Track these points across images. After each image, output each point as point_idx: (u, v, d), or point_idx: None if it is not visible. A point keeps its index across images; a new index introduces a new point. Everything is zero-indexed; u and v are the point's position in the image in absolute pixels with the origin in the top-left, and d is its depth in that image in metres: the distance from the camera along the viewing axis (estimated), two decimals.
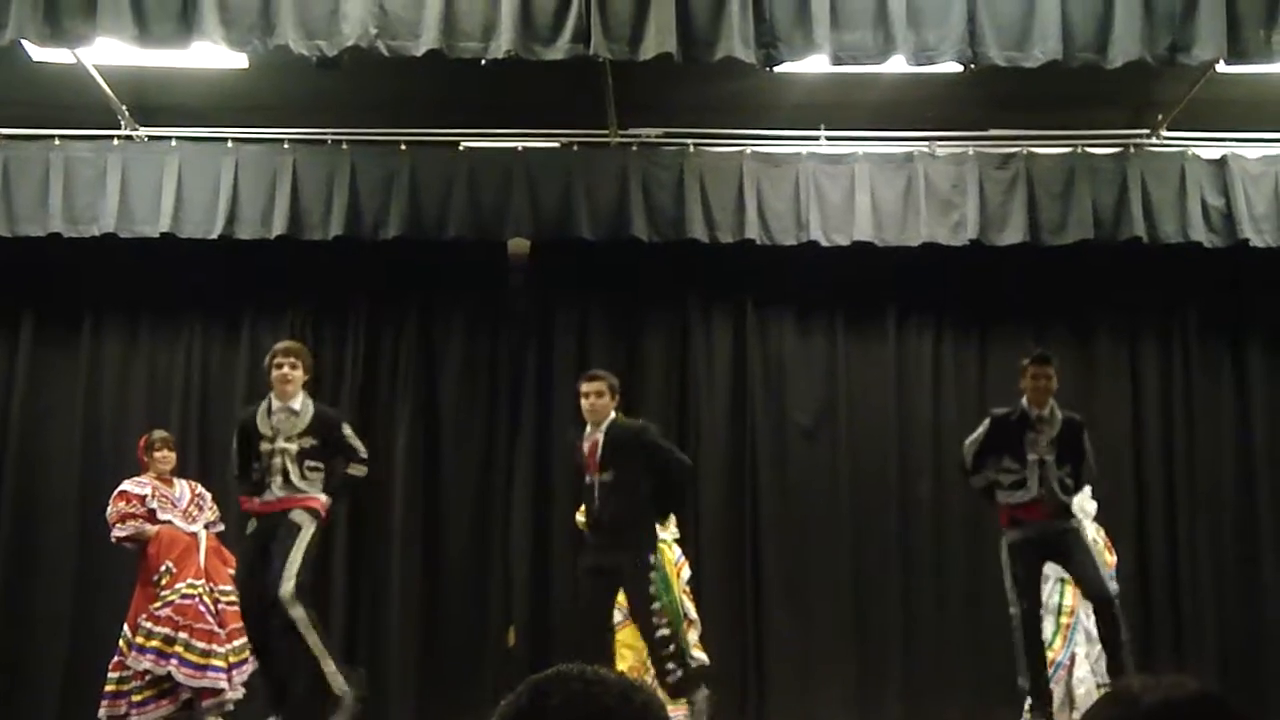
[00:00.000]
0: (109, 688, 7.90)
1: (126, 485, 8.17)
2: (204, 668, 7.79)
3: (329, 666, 6.91)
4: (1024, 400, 7.42)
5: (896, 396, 9.68)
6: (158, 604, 7.85)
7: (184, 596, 7.86)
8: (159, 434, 8.44)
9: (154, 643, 7.78)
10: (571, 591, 7.10)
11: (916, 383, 9.71)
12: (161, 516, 8.06)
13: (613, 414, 7.27)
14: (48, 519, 9.46)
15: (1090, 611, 7.79)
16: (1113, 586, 7.57)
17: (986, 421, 7.51)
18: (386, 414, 9.56)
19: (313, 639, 6.88)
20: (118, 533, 8.04)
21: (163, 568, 7.91)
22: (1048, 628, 8.01)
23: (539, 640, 9.20)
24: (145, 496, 8.08)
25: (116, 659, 7.93)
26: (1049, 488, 7.29)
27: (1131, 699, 1.99)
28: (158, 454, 8.25)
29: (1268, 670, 9.23)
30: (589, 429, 7.27)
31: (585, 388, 7.29)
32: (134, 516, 8.02)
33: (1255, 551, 9.46)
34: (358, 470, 7.30)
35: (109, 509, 8.10)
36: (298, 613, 6.82)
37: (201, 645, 7.80)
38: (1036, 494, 7.29)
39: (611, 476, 7.13)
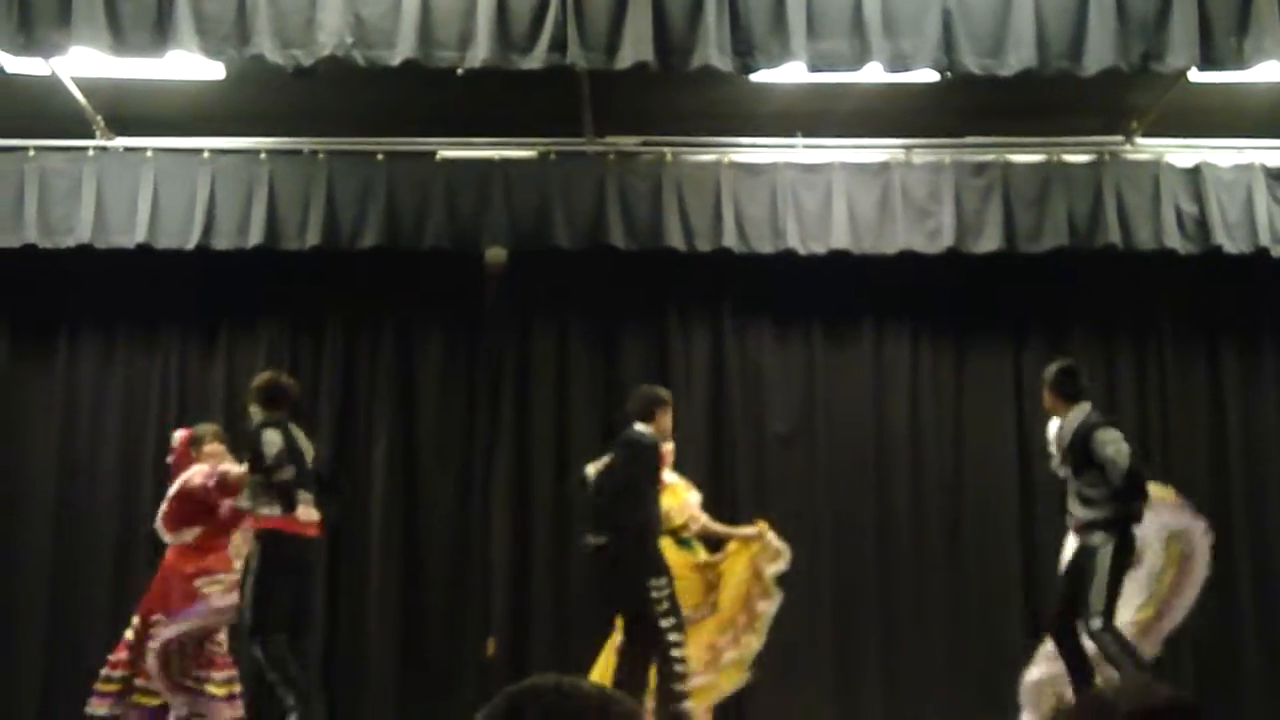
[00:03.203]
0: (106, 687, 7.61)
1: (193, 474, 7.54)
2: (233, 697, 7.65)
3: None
4: None
5: (874, 404, 9.69)
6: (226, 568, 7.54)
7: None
8: (208, 427, 7.90)
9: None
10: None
11: (893, 390, 9.72)
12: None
13: None
14: (23, 532, 9.39)
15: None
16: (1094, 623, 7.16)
17: None
18: (364, 424, 9.55)
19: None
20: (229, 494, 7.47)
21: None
22: None
23: (518, 651, 9.19)
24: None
25: (121, 654, 7.58)
26: (1067, 504, 7.44)
27: (1107, 707, 1.98)
28: (208, 448, 7.71)
29: (1243, 678, 9.28)
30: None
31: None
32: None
33: (1230, 557, 9.48)
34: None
35: (209, 482, 7.46)
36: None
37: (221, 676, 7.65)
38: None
39: None
